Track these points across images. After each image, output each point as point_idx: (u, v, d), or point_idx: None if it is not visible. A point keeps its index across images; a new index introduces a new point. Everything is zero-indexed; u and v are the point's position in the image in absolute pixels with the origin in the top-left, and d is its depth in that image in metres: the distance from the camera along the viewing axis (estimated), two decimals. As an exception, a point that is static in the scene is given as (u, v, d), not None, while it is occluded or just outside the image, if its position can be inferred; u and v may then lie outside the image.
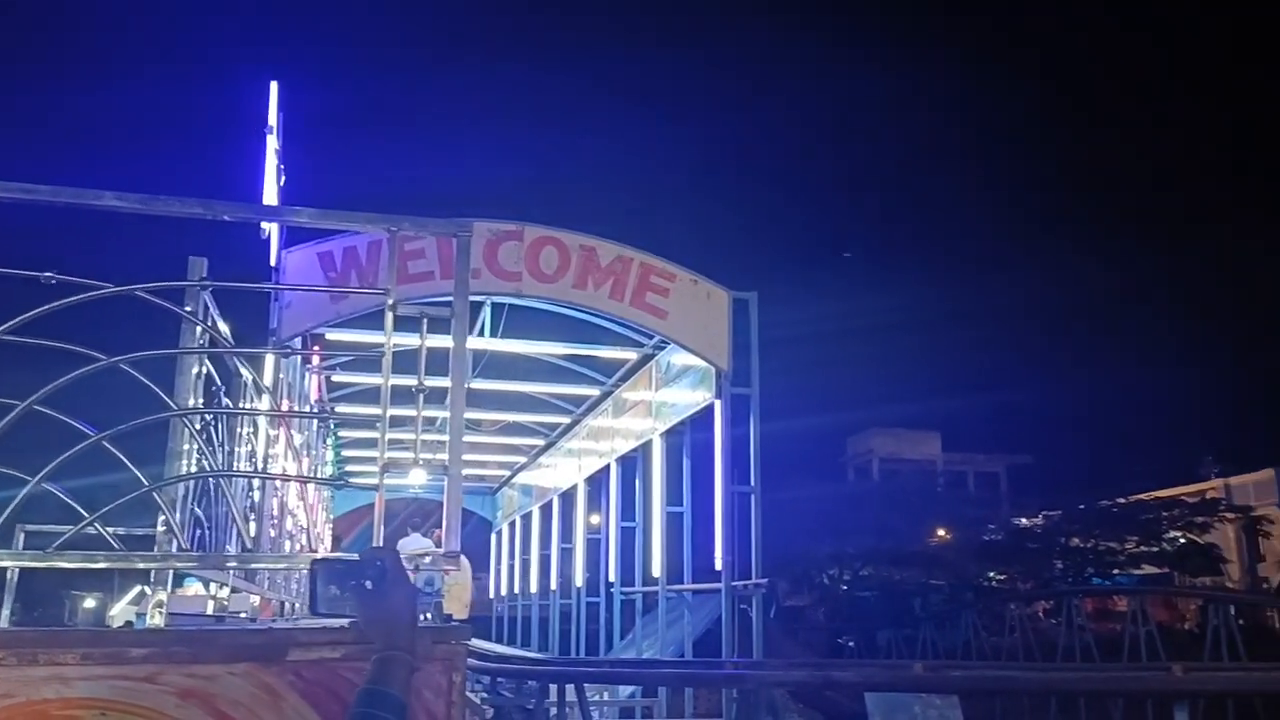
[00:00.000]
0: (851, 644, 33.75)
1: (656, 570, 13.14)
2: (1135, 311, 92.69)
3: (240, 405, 6.62)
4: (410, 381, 3.70)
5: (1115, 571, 38.99)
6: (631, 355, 13.64)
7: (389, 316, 3.71)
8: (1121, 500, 40.34)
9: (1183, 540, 39.29)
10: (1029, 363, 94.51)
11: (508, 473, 25.22)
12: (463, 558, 8.92)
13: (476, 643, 17.26)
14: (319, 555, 3.01)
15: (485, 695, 11.26)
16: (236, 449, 6.84)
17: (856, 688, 7.44)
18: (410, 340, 3.87)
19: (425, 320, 3.96)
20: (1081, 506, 39.85)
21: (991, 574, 40.29)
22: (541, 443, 20.46)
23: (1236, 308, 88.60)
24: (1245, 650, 19.99)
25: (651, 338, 12.41)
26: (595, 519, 18.05)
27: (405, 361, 4.00)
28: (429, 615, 11.85)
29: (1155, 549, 38.94)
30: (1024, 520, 42.64)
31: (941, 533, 42.40)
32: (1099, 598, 36.31)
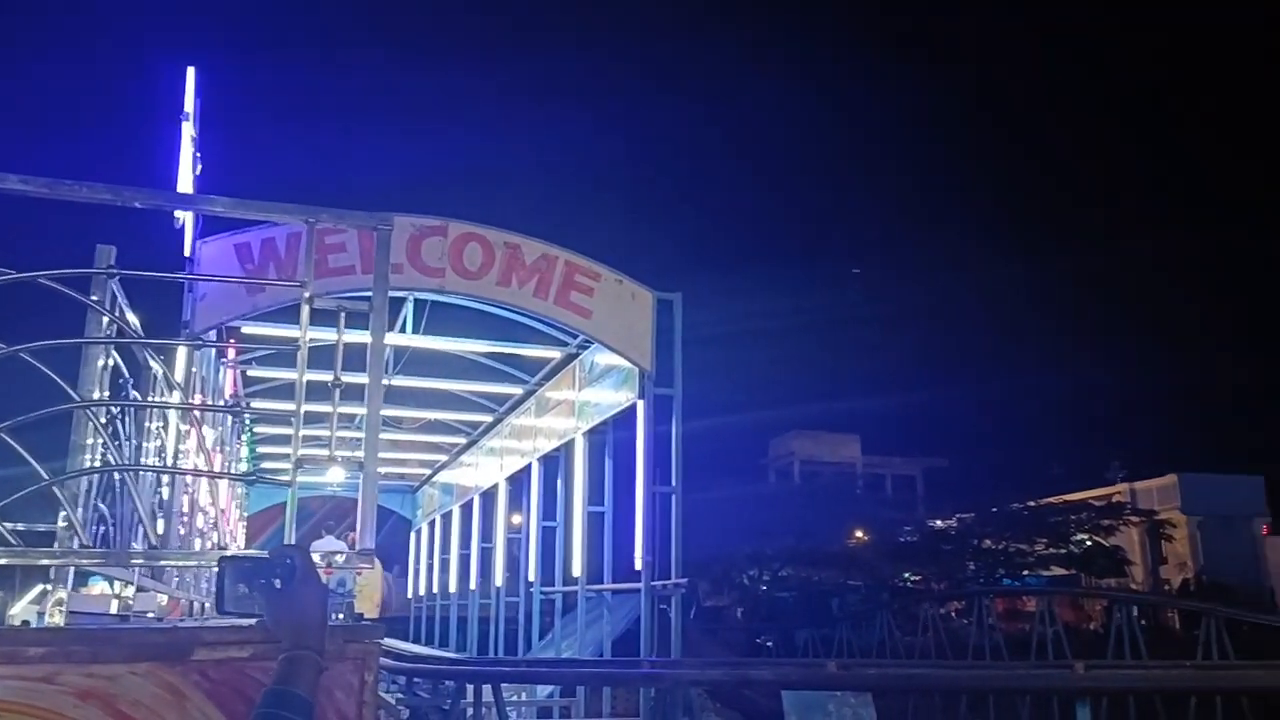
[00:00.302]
0: (770, 643, 34.16)
1: (577, 570, 13.12)
2: (1048, 318, 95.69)
3: (149, 398, 6.43)
4: (328, 377, 3.65)
5: (1025, 573, 40.19)
6: (555, 354, 13.61)
7: (305, 309, 3.65)
8: (1032, 503, 41.62)
9: (1089, 543, 40.70)
10: (947, 367, 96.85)
11: (428, 471, 24.94)
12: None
13: (393, 643, 17.05)
14: (228, 553, 2.95)
15: (401, 696, 11.13)
16: (145, 444, 6.64)
17: (772, 686, 7.53)
18: (328, 335, 3.81)
19: (343, 314, 3.91)
20: (994, 509, 41.00)
21: (907, 575, 41.21)
22: (463, 441, 20.28)
23: (1146, 315, 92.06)
24: (1147, 649, 20.79)
25: (575, 337, 12.39)
26: (517, 519, 17.96)
27: (324, 357, 3.94)
28: (341, 615, 11.67)
29: (1063, 551, 40.27)
30: (939, 522, 43.71)
31: (860, 534, 43.19)
32: (1009, 598, 37.39)
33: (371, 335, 3.77)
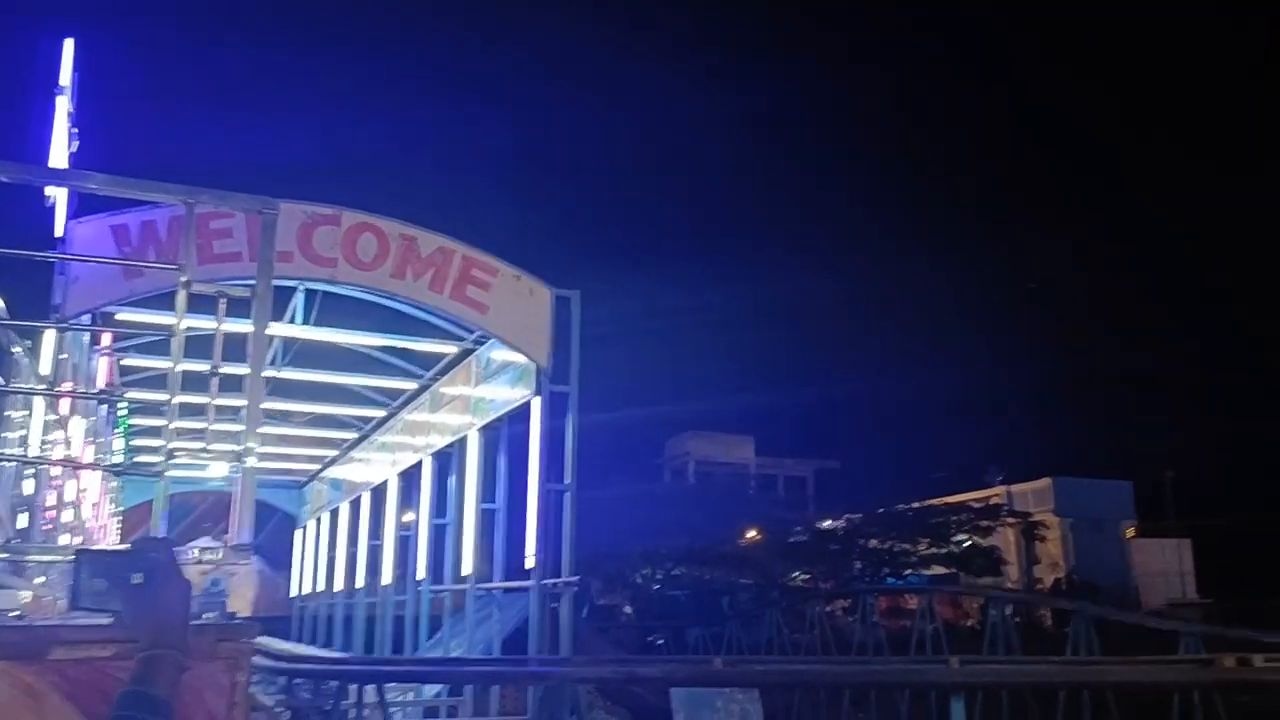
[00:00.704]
0: (661, 642, 34.40)
1: (467, 568, 12.95)
2: (939, 322, 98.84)
3: (11, 384, 6.08)
4: (207, 367, 3.51)
5: (908, 571, 41.46)
6: (450, 349, 13.40)
7: (181, 294, 3.50)
8: (916, 504, 43.01)
9: (968, 543, 42.23)
10: (839, 370, 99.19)
11: (317, 466, 24.29)
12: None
13: (275, 643, 16.54)
14: (85, 546, 2.80)
15: (281, 698, 10.80)
16: (4, 434, 6.29)
17: (660, 683, 7.57)
18: (210, 324, 3.66)
19: (224, 301, 3.76)
20: (880, 510, 42.20)
21: (796, 574, 42.05)
22: (354, 436, 19.82)
23: (1030, 324, 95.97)
24: (1020, 646, 21.68)
25: (472, 332, 12.24)
26: (409, 516, 17.64)
27: (208, 347, 3.78)
28: (214, 614, 11.24)
29: (944, 551, 41.69)
30: (828, 522, 44.72)
31: (752, 534, 43.84)
32: (892, 596, 38.50)
33: (254, 323, 3.64)
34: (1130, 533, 52.64)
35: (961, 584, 39.25)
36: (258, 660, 10.54)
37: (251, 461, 3.55)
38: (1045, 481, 52.19)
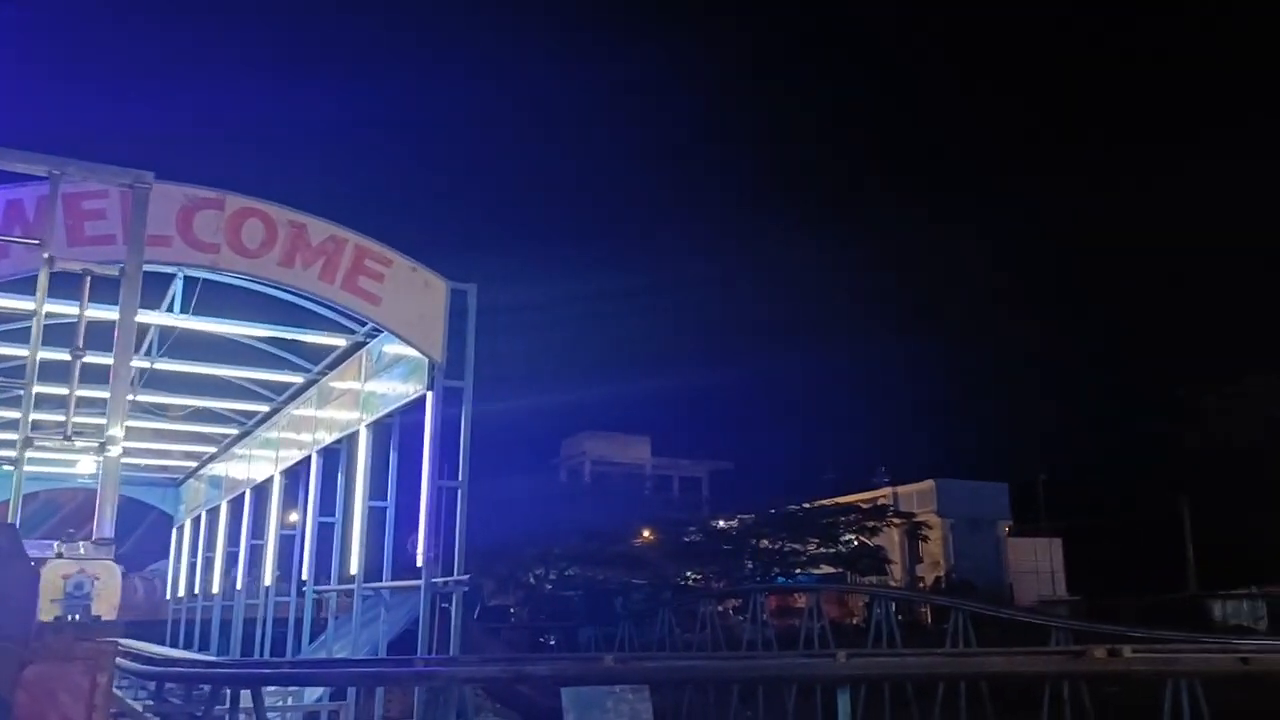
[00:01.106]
0: (553, 642, 34.24)
1: (354, 567, 12.58)
2: (827, 331, 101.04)
3: None
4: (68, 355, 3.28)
5: (798, 571, 42.26)
6: (340, 342, 13.01)
7: (44, 273, 3.27)
8: (806, 505, 43.87)
9: (856, 543, 43.28)
10: (733, 375, 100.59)
11: (195, 464, 23.33)
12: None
13: (147, 647, 15.77)
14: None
15: (150, 703, 10.29)
16: None
17: (549, 681, 7.46)
18: (75, 310, 3.42)
19: (89, 280, 3.52)
20: (772, 510, 42.89)
21: (689, 573, 42.40)
22: (236, 432, 19.09)
23: (918, 328, 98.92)
24: (902, 641, 22.31)
25: (363, 325, 11.89)
26: (294, 517, 17.09)
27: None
28: (76, 617, 10.64)
29: (833, 550, 42.63)
30: (721, 523, 45.21)
31: (646, 534, 44.01)
32: (781, 596, 39.22)
33: (121, 307, 3.42)
34: (1006, 532, 54.82)
35: (849, 583, 40.18)
36: (125, 664, 10.03)
37: (115, 451, 3.33)
38: (928, 483, 53.93)
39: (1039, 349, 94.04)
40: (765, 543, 42.41)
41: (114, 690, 11.61)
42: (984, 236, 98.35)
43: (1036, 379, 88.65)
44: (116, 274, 3.46)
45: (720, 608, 32.48)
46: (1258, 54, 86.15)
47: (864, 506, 45.62)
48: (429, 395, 10.77)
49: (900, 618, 29.69)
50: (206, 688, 8.61)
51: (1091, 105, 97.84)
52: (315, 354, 14.04)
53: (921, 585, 47.94)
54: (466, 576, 10.34)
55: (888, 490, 53.41)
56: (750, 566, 41.89)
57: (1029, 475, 54.62)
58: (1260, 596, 41.68)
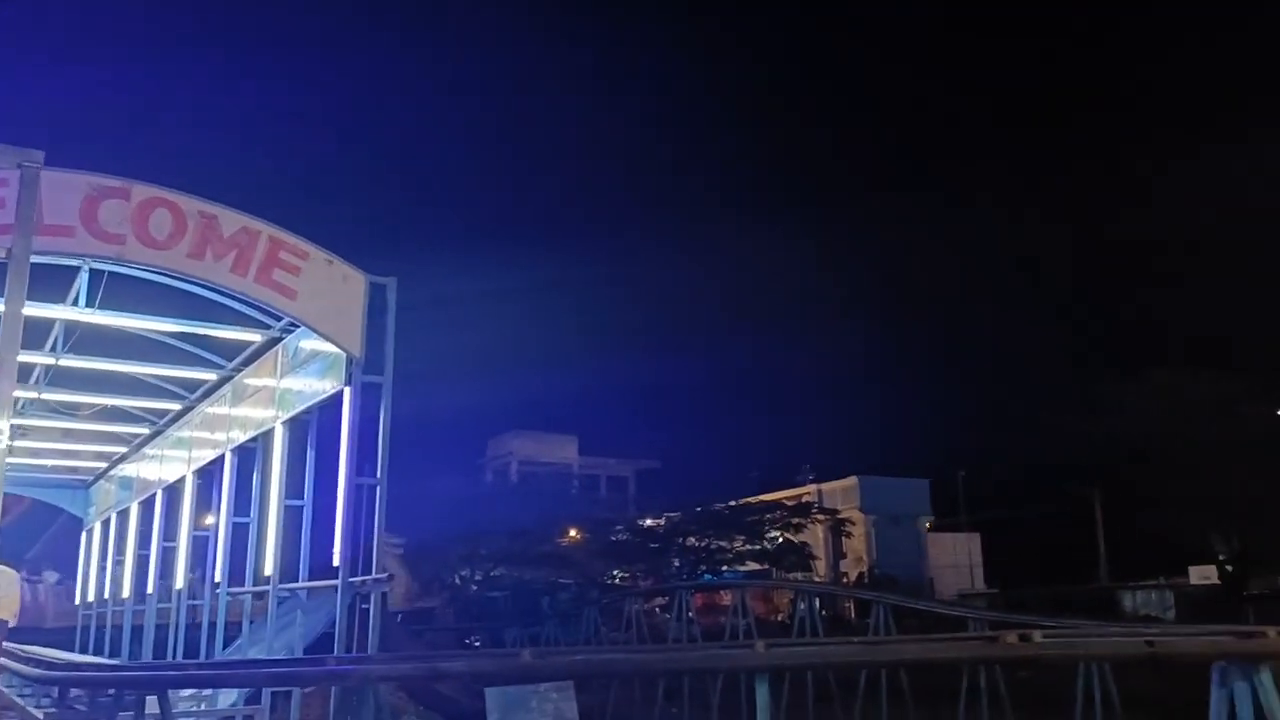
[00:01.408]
0: (478, 643, 33.92)
1: (269, 568, 12.25)
2: (751, 330, 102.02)
3: None
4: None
5: (724, 568, 42.57)
6: (255, 337, 12.65)
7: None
8: (733, 503, 44.18)
9: (781, 540, 43.77)
10: (661, 374, 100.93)
11: (105, 464, 22.54)
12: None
13: (52, 653, 15.16)
14: None
15: (53, 710, 9.88)
16: None
17: (465, 678, 7.34)
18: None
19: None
20: (698, 509, 43.10)
21: (616, 572, 42.40)
22: (147, 431, 18.48)
23: (842, 328, 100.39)
24: (826, 636, 22.64)
25: (279, 319, 11.58)
26: (211, 519, 16.60)
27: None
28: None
29: (758, 547, 43.04)
30: (648, 521, 45.30)
31: (573, 533, 43.89)
32: (707, 593, 39.45)
33: (7, 298, 3.24)
34: (927, 527, 56.03)
35: (774, 579, 40.62)
36: (26, 670, 9.61)
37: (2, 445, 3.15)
38: (852, 480, 54.81)
39: (959, 348, 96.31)
40: (691, 541, 42.62)
41: (15, 698, 11.09)
42: (904, 233, 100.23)
43: (958, 377, 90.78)
44: (3, 257, 3.27)
45: (647, 606, 32.57)
46: (1151, 35, 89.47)
47: (789, 504, 46.15)
48: (347, 391, 10.52)
49: (824, 613, 30.13)
50: (111, 692, 8.29)
51: (1028, 92, 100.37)
52: (229, 350, 13.65)
53: (845, 580, 48.71)
54: (386, 575, 10.13)
55: (812, 487, 54.15)
56: (677, 564, 42.07)
57: (950, 471, 55.95)
58: (1168, 587, 43.30)
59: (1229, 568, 33.37)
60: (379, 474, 10.36)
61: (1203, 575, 40.83)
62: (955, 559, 53.03)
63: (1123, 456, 34.46)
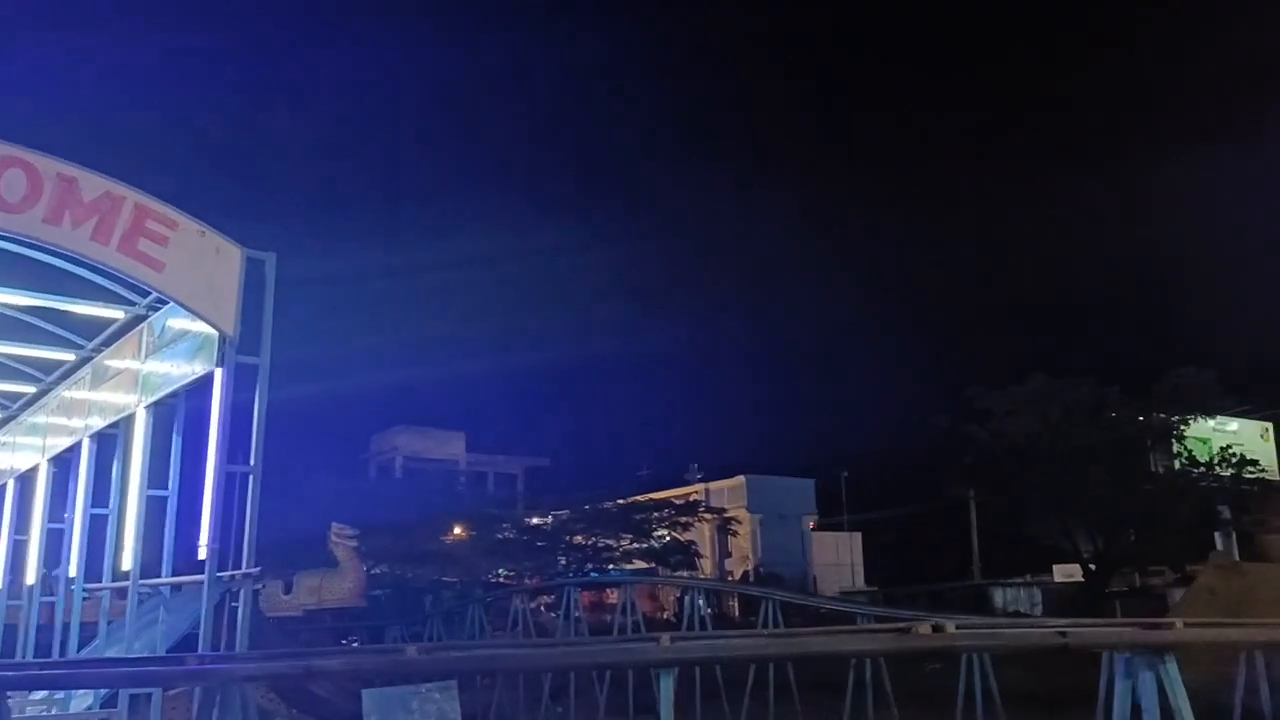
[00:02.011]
0: (356, 643, 32.84)
1: (127, 563, 11.37)
2: (643, 329, 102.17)
3: None
4: None
5: (611, 566, 42.43)
6: (118, 314, 11.74)
7: None
8: (621, 501, 44.09)
9: (668, 538, 43.89)
10: (550, 369, 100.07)
11: (-51, 452, 20.86)
12: None
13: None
14: None
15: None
16: None
17: (341, 676, 6.84)
18: None
19: None
20: (586, 507, 42.87)
21: (502, 570, 41.76)
22: (-2, 416, 17.15)
23: (732, 329, 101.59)
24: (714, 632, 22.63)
25: (144, 295, 10.76)
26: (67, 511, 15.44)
27: None
28: None
29: (645, 545, 43.06)
30: (535, 519, 44.80)
31: (458, 531, 43.05)
32: (594, 591, 39.26)
33: None
34: (811, 526, 57.06)
35: (661, 577, 40.68)
36: None
37: None
38: (739, 479, 55.41)
39: (844, 353, 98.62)
40: (579, 539, 42.38)
41: None
42: (792, 238, 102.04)
43: (843, 380, 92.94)
44: None
45: (533, 604, 32.13)
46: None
47: (677, 502, 46.35)
48: (218, 372, 9.79)
49: (710, 611, 30.22)
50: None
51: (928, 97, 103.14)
52: (89, 328, 12.67)
53: (730, 578, 49.16)
54: (256, 569, 9.47)
55: (700, 486, 54.53)
56: (564, 562, 41.78)
57: (833, 472, 57.12)
58: (1035, 585, 45.16)
59: (1092, 566, 34.81)
60: (252, 461, 9.68)
61: (1066, 573, 42.79)
62: (837, 557, 54.16)
63: (997, 460, 35.60)
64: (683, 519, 44.54)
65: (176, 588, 11.33)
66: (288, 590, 28.78)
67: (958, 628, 5.44)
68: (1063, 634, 5.59)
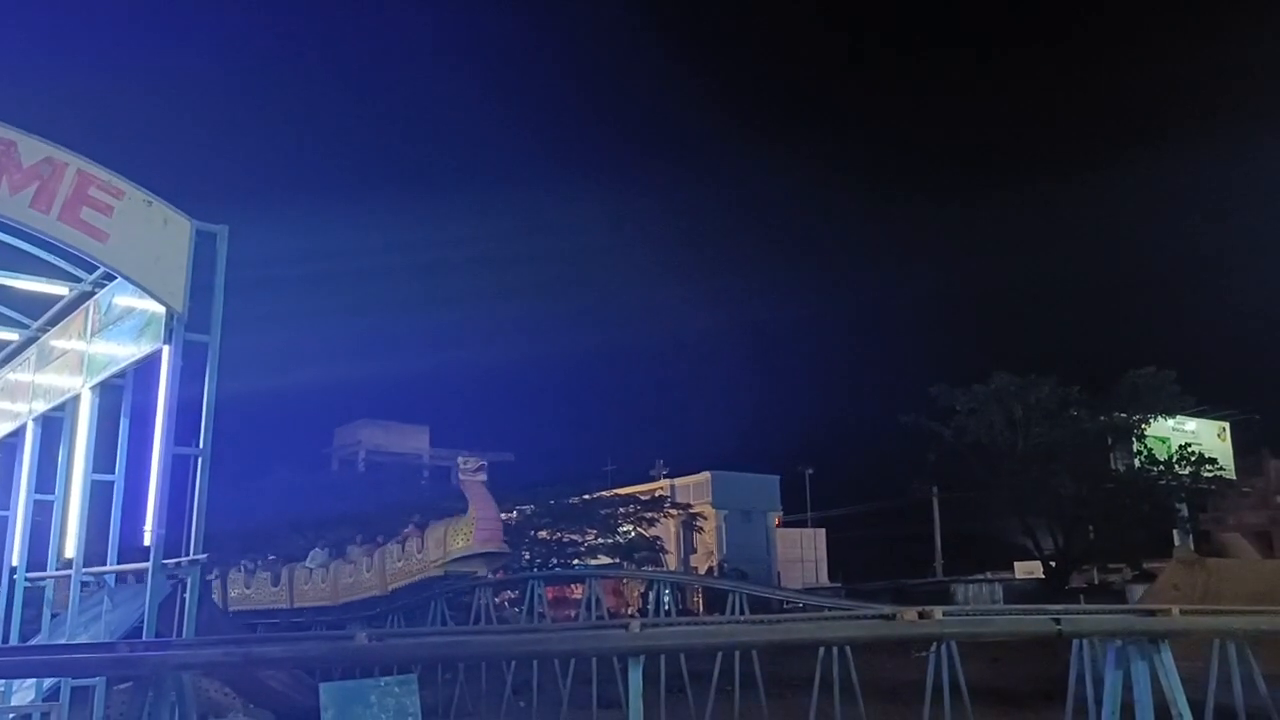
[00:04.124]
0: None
1: (70, 550, 10.88)
2: (605, 325, 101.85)
3: None
4: None
5: (575, 561, 42.03)
6: (62, 290, 11.26)
7: None
8: (586, 496, 43.74)
9: (633, 533, 43.62)
10: (515, 365, 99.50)
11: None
12: None
13: None
14: None
15: None
16: None
17: (285, 664, 6.48)
18: None
19: None
20: (551, 502, 42.45)
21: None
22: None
23: (697, 324, 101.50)
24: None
25: (90, 271, 10.29)
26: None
27: None
28: None
29: (610, 541, 42.76)
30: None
31: (420, 525, 42.47)
32: (558, 586, 38.86)
33: None
34: (776, 522, 57.07)
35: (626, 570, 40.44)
36: None
37: None
38: (704, 475, 55.25)
39: (811, 350, 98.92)
40: (543, 534, 42.00)
41: None
42: (765, 231, 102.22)
43: (808, 378, 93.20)
44: None
45: (497, 599, 31.75)
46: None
47: (642, 498, 46.08)
48: (166, 349, 9.35)
49: (675, 606, 29.99)
50: None
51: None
52: (34, 306, 12.18)
53: (695, 574, 48.97)
54: (203, 556, 9.05)
55: (666, 482, 54.31)
56: (528, 557, 41.36)
57: (798, 469, 57.21)
58: (996, 581, 45.45)
59: (1052, 564, 35.02)
60: (202, 443, 9.25)
61: (1027, 570, 43.13)
62: (801, 554, 54.23)
63: (960, 457, 35.73)
64: (648, 514, 44.28)
65: (122, 577, 10.87)
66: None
67: (945, 614, 5.22)
68: (1057, 620, 5.40)
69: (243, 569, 30.52)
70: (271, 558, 31.72)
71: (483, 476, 24.16)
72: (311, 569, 27.12)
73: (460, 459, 24.55)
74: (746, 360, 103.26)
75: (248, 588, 29.97)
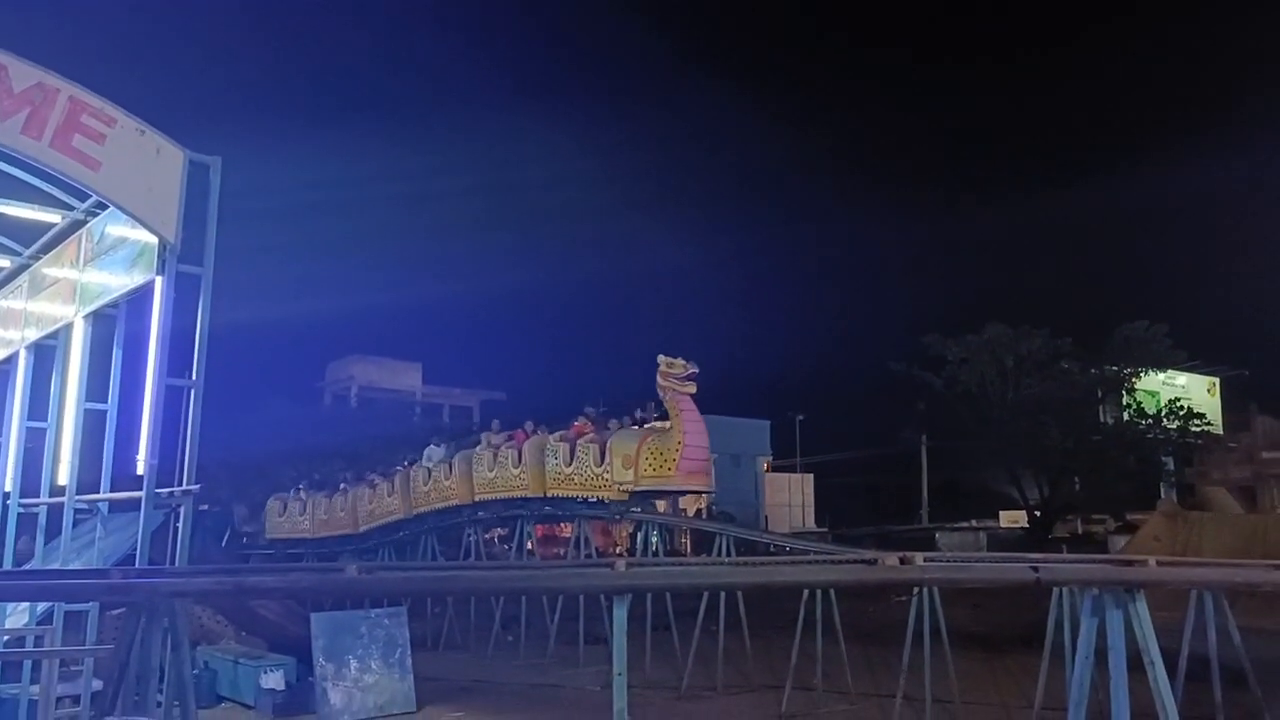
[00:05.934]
0: (304, 570, 32.71)
1: (63, 477, 10.97)
2: (603, 266, 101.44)
3: None
4: None
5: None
6: (55, 218, 11.17)
7: None
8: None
9: (626, 471, 43.91)
10: (507, 302, 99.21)
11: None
12: None
13: None
14: None
15: None
16: None
17: (276, 594, 6.58)
18: None
19: None
20: (543, 440, 42.68)
21: (455, 502, 41.59)
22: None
23: (688, 268, 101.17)
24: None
25: (83, 199, 10.22)
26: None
27: None
28: None
29: (603, 479, 43.05)
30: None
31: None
32: (548, 525, 39.23)
33: None
34: (765, 467, 57.55)
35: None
36: None
37: None
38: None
39: (803, 298, 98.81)
40: (535, 471, 42.28)
41: None
42: (761, 175, 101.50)
43: (800, 324, 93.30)
44: None
45: (487, 536, 32.09)
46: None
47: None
48: (159, 280, 9.33)
49: (663, 546, 30.31)
50: None
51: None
52: (26, 233, 12.09)
53: (681, 511, 49.42)
54: (196, 486, 9.14)
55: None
56: (518, 496, 41.70)
57: (788, 414, 57.52)
58: (980, 529, 46.03)
59: (1037, 513, 35.45)
60: (195, 375, 9.28)
61: (1011, 519, 43.66)
62: (789, 498, 54.76)
63: (949, 407, 35.93)
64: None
65: (116, 506, 10.97)
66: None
67: (926, 560, 5.33)
68: (1035, 569, 5.51)
69: (294, 492, 30.63)
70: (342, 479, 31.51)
71: (692, 387, 17.90)
72: (430, 468, 26.22)
73: (663, 359, 17.81)
74: (739, 306, 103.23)
75: (300, 515, 30.16)
